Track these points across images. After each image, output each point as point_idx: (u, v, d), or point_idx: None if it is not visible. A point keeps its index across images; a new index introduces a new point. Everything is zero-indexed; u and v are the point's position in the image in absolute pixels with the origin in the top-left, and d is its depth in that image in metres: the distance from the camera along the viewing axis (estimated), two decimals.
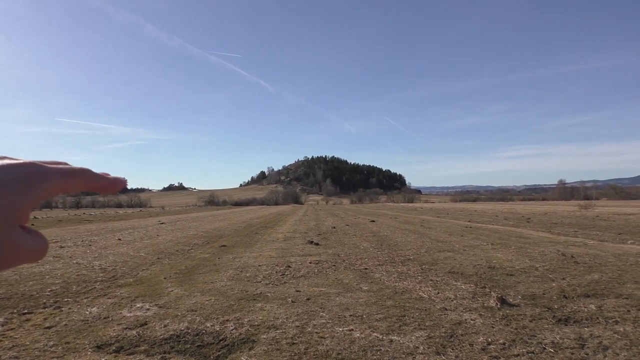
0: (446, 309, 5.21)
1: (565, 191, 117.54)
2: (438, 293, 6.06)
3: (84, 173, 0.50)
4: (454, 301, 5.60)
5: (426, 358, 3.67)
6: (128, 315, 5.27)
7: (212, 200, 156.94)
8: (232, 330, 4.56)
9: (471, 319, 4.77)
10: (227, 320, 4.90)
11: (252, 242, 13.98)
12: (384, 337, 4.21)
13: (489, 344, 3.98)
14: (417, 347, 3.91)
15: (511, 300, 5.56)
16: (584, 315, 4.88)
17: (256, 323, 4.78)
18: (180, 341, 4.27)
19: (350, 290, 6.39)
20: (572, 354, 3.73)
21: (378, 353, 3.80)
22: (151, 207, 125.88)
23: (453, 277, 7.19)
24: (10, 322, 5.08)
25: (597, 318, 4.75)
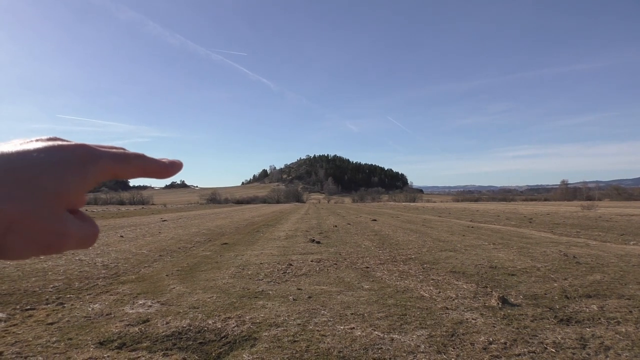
0: (447, 308, 5.21)
1: (568, 192, 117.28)
2: (439, 292, 6.07)
3: (139, 158, 0.48)
4: (455, 300, 5.60)
5: (427, 357, 3.67)
6: (130, 312, 5.29)
7: (214, 198, 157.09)
8: (234, 327, 4.57)
9: (472, 319, 4.78)
10: (228, 318, 4.92)
11: (254, 240, 14.00)
12: (385, 336, 4.22)
13: (490, 343, 3.98)
14: (418, 346, 3.92)
15: (513, 300, 5.56)
16: (585, 315, 4.88)
17: (258, 321, 4.80)
18: (182, 338, 4.28)
19: (351, 289, 6.40)
20: (574, 354, 3.73)
21: (379, 351, 3.81)
22: (153, 204, 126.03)
23: (454, 277, 7.19)
24: (13, 318, 5.11)
25: (599, 318, 4.75)
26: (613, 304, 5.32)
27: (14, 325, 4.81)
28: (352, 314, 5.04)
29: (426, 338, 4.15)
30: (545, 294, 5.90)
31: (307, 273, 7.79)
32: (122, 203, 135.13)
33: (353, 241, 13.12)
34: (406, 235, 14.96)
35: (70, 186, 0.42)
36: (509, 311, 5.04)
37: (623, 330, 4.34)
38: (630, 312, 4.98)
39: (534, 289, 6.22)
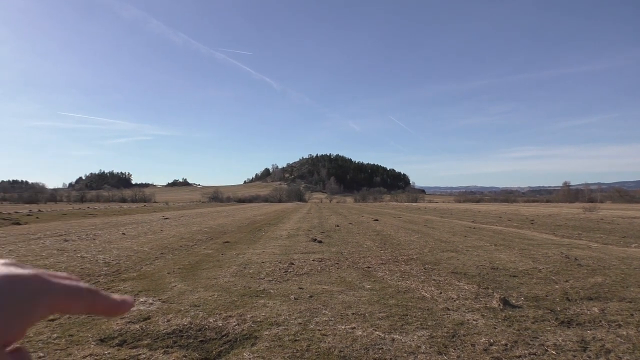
0: (448, 309, 5.21)
1: (570, 193, 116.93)
2: (441, 293, 6.06)
3: (92, 294, 0.46)
4: (457, 301, 5.60)
5: (428, 357, 3.67)
6: (131, 309, 5.29)
7: (216, 196, 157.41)
8: (235, 326, 4.58)
9: (473, 320, 4.77)
10: (229, 316, 4.93)
11: (256, 239, 14.01)
12: (386, 336, 4.22)
13: (491, 344, 3.98)
14: (419, 347, 3.92)
15: (514, 301, 5.55)
16: (586, 318, 4.87)
17: (259, 319, 4.80)
18: (183, 336, 4.29)
19: (353, 289, 6.40)
20: (574, 356, 3.72)
21: (380, 351, 3.81)
22: (155, 202, 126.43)
23: (456, 278, 7.18)
24: None
25: (600, 321, 4.74)
26: (614, 307, 5.31)
27: None
28: (353, 313, 5.04)
29: (427, 339, 4.14)
30: (547, 295, 5.89)
31: (309, 272, 7.79)
32: (124, 200, 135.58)
33: (355, 241, 13.12)
34: (408, 235, 14.96)
35: (10, 324, 0.39)
36: (510, 313, 5.04)
37: (624, 333, 4.33)
38: (632, 315, 4.97)
39: (535, 290, 6.21)
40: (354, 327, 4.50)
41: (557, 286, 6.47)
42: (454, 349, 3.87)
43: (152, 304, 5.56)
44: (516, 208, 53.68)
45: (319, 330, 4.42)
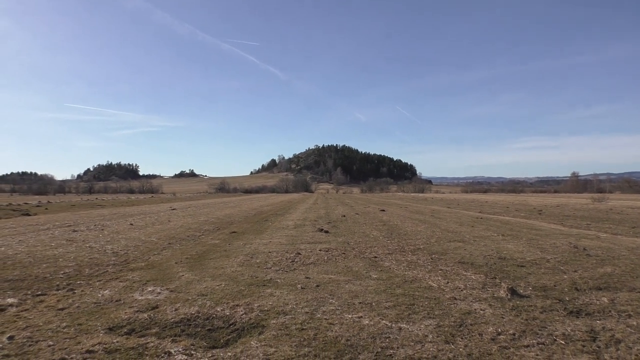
0: (456, 299, 5.19)
1: (578, 184, 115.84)
2: (448, 282, 6.05)
3: None
4: (464, 291, 5.58)
5: (435, 347, 3.66)
6: (139, 298, 5.33)
7: (223, 187, 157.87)
8: (242, 315, 4.59)
9: (481, 309, 4.75)
10: (237, 305, 4.94)
11: (263, 229, 14.05)
12: (393, 325, 4.21)
13: (499, 334, 3.96)
14: (426, 336, 3.91)
15: (522, 291, 5.52)
16: (596, 308, 4.84)
17: (266, 308, 4.81)
18: (190, 325, 4.31)
19: (359, 278, 6.39)
20: (584, 346, 3.69)
21: (387, 340, 3.80)
22: (162, 193, 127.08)
23: (463, 267, 7.16)
24: (24, 303, 5.17)
25: (610, 311, 4.71)
26: (624, 297, 5.26)
27: (25, 310, 4.88)
28: (360, 303, 5.04)
29: (434, 328, 4.13)
30: (555, 285, 5.86)
31: (316, 262, 7.80)
32: (132, 192, 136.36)
33: (361, 231, 13.12)
34: (415, 225, 14.93)
35: None
36: (518, 302, 5.01)
37: (634, 323, 4.29)
38: None
39: (544, 280, 6.17)
40: (361, 316, 4.49)
41: (565, 276, 6.43)
42: (461, 339, 3.85)
43: (160, 293, 5.59)
44: (524, 198, 53.43)
45: (325, 319, 4.42)
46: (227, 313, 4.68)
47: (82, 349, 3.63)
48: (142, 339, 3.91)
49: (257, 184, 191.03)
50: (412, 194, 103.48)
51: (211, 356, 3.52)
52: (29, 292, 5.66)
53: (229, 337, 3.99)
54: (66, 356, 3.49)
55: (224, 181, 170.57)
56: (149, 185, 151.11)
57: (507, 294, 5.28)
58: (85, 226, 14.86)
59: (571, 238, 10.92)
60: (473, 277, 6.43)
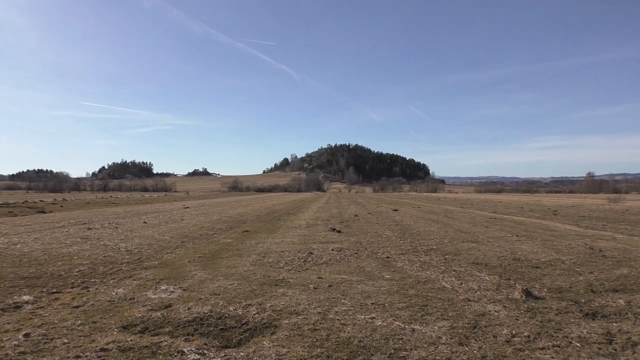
0: (469, 300, 5.14)
1: (594, 184, 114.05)
2: (461, 284, 5.99)
3: None
4: (478, 292, 5.52)
5: (449, 348, 3.63)
6: (153, 297, 5.38)
7: (236, 186, 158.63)
8: (255, 314, 4.60)
9: (495, 311, 4.70)
10: (249, 305, 4.95)
11: (275, 228, 14.08)
12: (406, 326, 4.18)
13: (514, 336, 3.91)
14: (440, 337, 3.88)
15: (536, 292, 5.45)
16: (612, 310, 4.76)
17: (278, 308, 4.82)
18: (203, 324, 4.33)
19: (372, 279, 6.37)
20: (600, 349, 3.63)
21: (400, 342, 3.78)
22: (176, 191, 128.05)
23: (477, 268, 7.09)
24: (39, 300, 5.25)
25: (626, 313, 4.63)
26: None
27: (41, 307, 4.94)
28: (372, 303, 5.02)
29: (448, 329, 4.10)
30: (571, 287, 5.77)
31: (328, 262, 7.79)
32: (145, 190, 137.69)
33: (374, 231, 13.08)
34: (428, 225, 14.84)
35: None
36: (532, 304, 4.95)
37: None
38: None
39: (559, 282, 6.09)
40: (374, 317, 4.47)
41: (581, 278, 6.33)
42: (475, 340, 3.81)
43: (173, 292, 5.63)
44: (538, 199, 52.83)
45: (338, 319, 4.41)
46: (240, 312, 4.69)
47: (96, 347, 3.67)
48: (156, 337, 3.94)
49: (270, 182, 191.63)
50: (425, 194, 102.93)
51: (224, 356, 3.53)
52: (44, 290, 5.74)
53: (242, 336, 4.00)
54: (81, 354, 3.53)
55: (237, 180, 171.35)
56: (163, 184, 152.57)
57: (521, 296, 5.22)
58: (100, 224, 15.04)
59: (587, 239, 10.77)
60: (487, 278, 6.37)
